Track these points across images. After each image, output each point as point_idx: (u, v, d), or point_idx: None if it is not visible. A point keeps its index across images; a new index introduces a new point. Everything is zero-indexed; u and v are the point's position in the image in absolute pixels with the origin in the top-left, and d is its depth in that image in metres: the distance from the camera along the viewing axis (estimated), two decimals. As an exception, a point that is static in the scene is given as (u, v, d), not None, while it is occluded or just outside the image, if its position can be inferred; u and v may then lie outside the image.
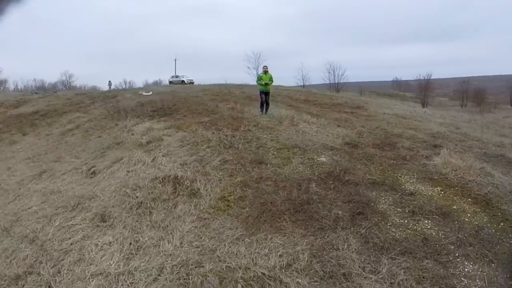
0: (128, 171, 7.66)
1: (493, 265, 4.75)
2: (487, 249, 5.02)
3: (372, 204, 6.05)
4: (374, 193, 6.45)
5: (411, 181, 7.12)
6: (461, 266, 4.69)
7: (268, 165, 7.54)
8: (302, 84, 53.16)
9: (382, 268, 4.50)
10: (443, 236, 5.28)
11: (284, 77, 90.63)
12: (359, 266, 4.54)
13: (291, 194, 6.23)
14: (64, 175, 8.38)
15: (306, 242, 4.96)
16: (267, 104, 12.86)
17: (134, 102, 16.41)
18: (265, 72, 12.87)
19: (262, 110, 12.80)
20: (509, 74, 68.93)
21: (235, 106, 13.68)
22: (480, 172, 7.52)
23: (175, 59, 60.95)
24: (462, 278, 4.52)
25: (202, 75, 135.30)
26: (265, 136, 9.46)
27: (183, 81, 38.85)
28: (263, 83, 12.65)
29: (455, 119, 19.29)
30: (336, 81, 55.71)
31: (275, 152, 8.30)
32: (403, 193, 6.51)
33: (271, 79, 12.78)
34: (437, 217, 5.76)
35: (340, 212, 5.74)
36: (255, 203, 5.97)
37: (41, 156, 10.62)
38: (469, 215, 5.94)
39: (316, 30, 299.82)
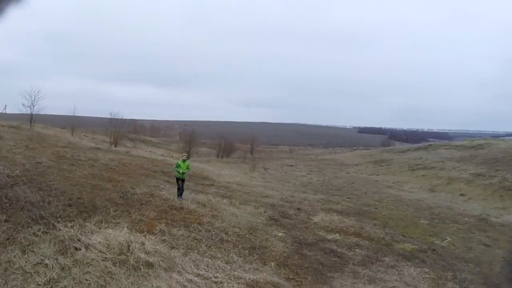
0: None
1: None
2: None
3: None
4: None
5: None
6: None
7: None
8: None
9: None
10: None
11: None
12: None
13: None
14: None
15: None
16: (182, 189, 14.48)
17: None
18: (184, 160, 14.61)
19: (178, 194, 14.38)
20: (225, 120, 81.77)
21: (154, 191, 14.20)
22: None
23: None
24: None
25: None
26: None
27: None
28: (181, 171, 14.36)
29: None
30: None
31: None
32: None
33: (188, 168, 14.67)
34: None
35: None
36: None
37: None
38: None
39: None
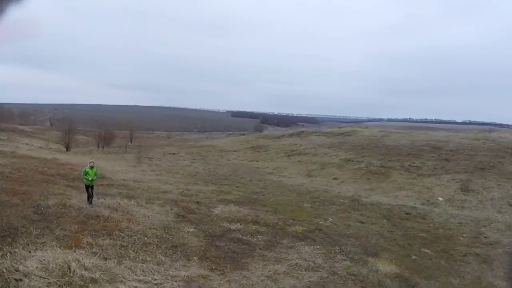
0: None
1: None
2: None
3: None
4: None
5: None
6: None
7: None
8: None
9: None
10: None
11: None
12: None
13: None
14: None
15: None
16: (92, 196, 14.71)
17: None
18: (91, 167, 14.71)
19: (89, 201, 14.54)
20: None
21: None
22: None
23: None
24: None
25: None
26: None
27: None
28: (90, 178, 14.53)
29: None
30: None
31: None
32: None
33: (96, 174, 14.88)
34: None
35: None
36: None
37: None
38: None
39: None
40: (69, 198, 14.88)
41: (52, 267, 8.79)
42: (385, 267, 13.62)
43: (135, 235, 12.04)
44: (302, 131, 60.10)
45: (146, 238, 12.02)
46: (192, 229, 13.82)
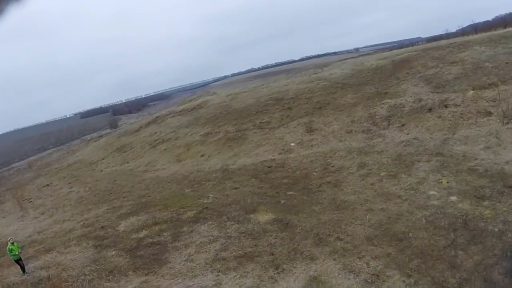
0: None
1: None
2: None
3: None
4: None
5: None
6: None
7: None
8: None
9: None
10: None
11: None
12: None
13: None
14: None
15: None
16: (23, 266, 16.83)
17: None
18: (12, 243, 16.59)
19: (24, 272, 16.73)
20: None
21: None
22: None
23: None
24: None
25: None
26: None
27: None
28: (16, 253, 16.51)
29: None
30: None
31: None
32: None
33: (18, 248, 16.80)
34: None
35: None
36: None
37: None
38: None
39: None
40: (5, 278, 16.70)
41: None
42: (263, 217, 18.40)
43: (78, 279, 15.16)
44: (158, 116, 61.64)
45: (87, 276, 15.30)
46: (113, 252, 17.33)
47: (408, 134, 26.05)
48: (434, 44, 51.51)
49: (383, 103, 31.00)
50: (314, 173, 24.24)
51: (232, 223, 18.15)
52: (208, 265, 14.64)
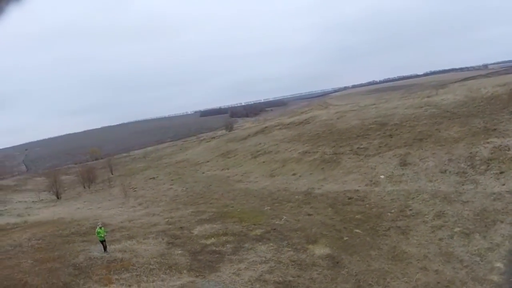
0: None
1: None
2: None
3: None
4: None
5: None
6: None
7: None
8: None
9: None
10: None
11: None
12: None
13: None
14: None
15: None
16: (106, 246, 20.78)
17: None
18: (101, 227, 20.65)
19: (105, 251, 20.62)
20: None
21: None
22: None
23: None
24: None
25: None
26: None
27: None
28: (102, 235, 20.43)
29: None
30: None
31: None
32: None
33: (105, 231, 20.88)
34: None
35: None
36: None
37: None
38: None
39: None
40: (90, 252, 20.70)
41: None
42: (320, 250, 19.61)
43: (143, 266, 18.36)
44: (266, 127, 65.66)
45: (150, 266, 18.38)
46: (179, 251, 20.27)
47: (504, 184, 24.10)
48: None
49: (488, 142, 29.48)
50: (389, 213, 24.22)
51: (289, 249, 19.80)
52: (249, 282, 16.55)
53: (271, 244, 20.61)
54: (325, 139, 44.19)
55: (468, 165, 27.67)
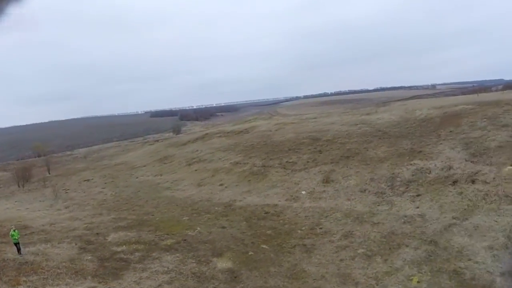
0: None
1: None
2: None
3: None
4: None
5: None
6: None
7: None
8: None
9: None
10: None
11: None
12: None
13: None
14: None
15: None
16: (20, 248, 22.25)
17: None
18: (14, 230, 22.20)
19: (19, 253, 22.09)
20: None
21: None
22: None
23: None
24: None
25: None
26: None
27: None
28: (16, 237, 21.94)
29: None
30: None
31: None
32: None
33: (18, 234, 22.32)
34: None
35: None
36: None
37: None
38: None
39: None
40: (5, 253, 22.11)
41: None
42: (222, 264, 20.79)
43: (51, 269, 20.01)
44: (206, 134, 67.27)
45: (58, 270, 20.04)
46: (89, 257, 22.04)
47: (417, 207, 25.13)
48: (497, 97, 50.66)
49: (411, 164, 30.76)
50: (300, 230, 25.06)
51: (193, 261, 21.36)
52: None
53: (178, 254, 22.14)
54: (258, 151, 45.42)
55: (388, 186, 28.96)
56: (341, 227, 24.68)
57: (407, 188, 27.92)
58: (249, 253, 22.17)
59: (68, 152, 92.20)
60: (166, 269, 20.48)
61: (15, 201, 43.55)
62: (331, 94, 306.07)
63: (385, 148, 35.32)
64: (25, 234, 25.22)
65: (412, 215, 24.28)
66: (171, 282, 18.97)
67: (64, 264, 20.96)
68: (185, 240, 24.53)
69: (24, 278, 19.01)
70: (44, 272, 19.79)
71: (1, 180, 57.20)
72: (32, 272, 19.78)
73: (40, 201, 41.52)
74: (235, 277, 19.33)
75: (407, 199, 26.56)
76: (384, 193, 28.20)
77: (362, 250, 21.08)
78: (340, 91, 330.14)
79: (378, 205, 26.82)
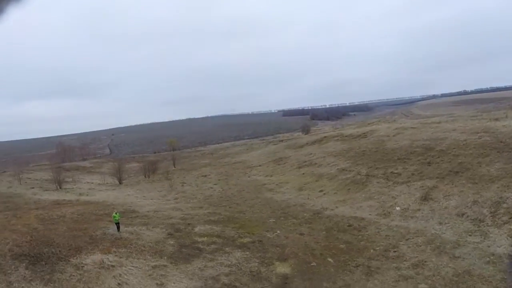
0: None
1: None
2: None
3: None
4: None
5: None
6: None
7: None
8: None
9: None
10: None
11: None
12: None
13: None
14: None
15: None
16: (119, 227, 27.54)
17: None
18: (116, 213, 27.80)
19: (118, 230, 27.31)
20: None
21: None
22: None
23: None
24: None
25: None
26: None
27: None
28: (116, 218, 27.37)
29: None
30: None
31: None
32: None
33: (119, 216, 27.80)
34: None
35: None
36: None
37: None
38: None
39: None
40: (108, 229, 27.37)
41: (96, 261, 21.39)
42: (282, 269, 21.31)
43: (138, 247, 24.33)
44: (325, 137, 67.37)
45: (143, 248, 24.22)
46: (172, 242, 25.88)
47: None
48: None
49: None
50: (373, 250, 23.73)
51: (257, 261, 22.48)
52: (203, 277, 21.07)
53: (247, 253, 23.86)
54: (367, 158, 44.55)
55: (490, 213, 24.66)
56: (416, 254, 22.25)
57: (510, 218, 23.15)
58: (312, 264, 22.15)
59: (200, 148, 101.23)
60: (230, 263, 22.39)
61: (137, 190, 50.49)
62: (471, 92, 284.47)
63: (501, 165, 30.49)
64: (130, 217, 30.22)
65: (501, 254, 20.14)
66: (228, 274, 20.74)
67: (150, 244, 25.01)
68: (260, 241, 26.01)
69: (115, 249, 23.47)
70: (131, 247, 24.07)
71: (133, 171, 66.04)
72: (122, 246, 24.22)
73: (158, 191, 47.81)
74: (286, 283, 19.79)
75: (505, 233, 22.04)
76: (483, 221, 24.10)
77: (424, 286, 18.62)
78: (481, 88, 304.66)
79: (470, 235, 23.20)
